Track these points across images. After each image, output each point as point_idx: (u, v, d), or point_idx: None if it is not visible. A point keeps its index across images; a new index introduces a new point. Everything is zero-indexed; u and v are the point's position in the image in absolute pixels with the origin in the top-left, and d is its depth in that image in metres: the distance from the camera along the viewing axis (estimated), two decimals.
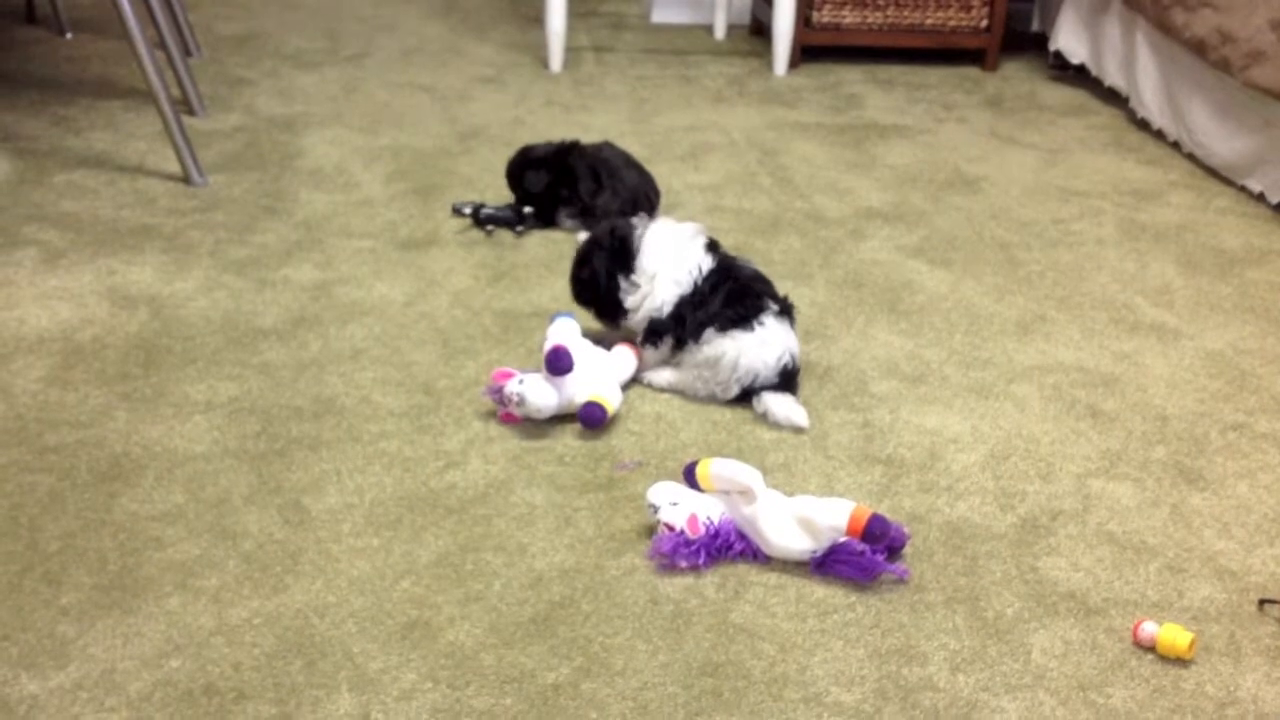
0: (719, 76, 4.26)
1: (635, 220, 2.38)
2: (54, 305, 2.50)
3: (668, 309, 2.29)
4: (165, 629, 1.67)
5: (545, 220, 2.97)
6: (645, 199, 2.97)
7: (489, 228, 2.92)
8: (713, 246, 2.33)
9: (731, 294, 2.27)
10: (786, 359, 2.24)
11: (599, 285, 2.34)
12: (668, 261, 2.30)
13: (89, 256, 2.71)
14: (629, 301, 2.32)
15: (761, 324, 2.24)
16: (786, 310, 2.29)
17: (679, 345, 2.29)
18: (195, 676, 1.59)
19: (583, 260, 2.37)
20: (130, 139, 3.39)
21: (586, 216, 2.92)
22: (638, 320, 2.32)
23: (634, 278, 2.31)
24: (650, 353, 2.33)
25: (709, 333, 2.25)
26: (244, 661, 1.62)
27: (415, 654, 1.65)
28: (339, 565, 1.81)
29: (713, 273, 2.28)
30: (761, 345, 2.22)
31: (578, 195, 2.93)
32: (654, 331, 2.30)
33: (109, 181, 3.12)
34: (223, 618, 1.70)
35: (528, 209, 2.94)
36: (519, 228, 2.92)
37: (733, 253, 2.37)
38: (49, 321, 2.44)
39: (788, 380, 2.24)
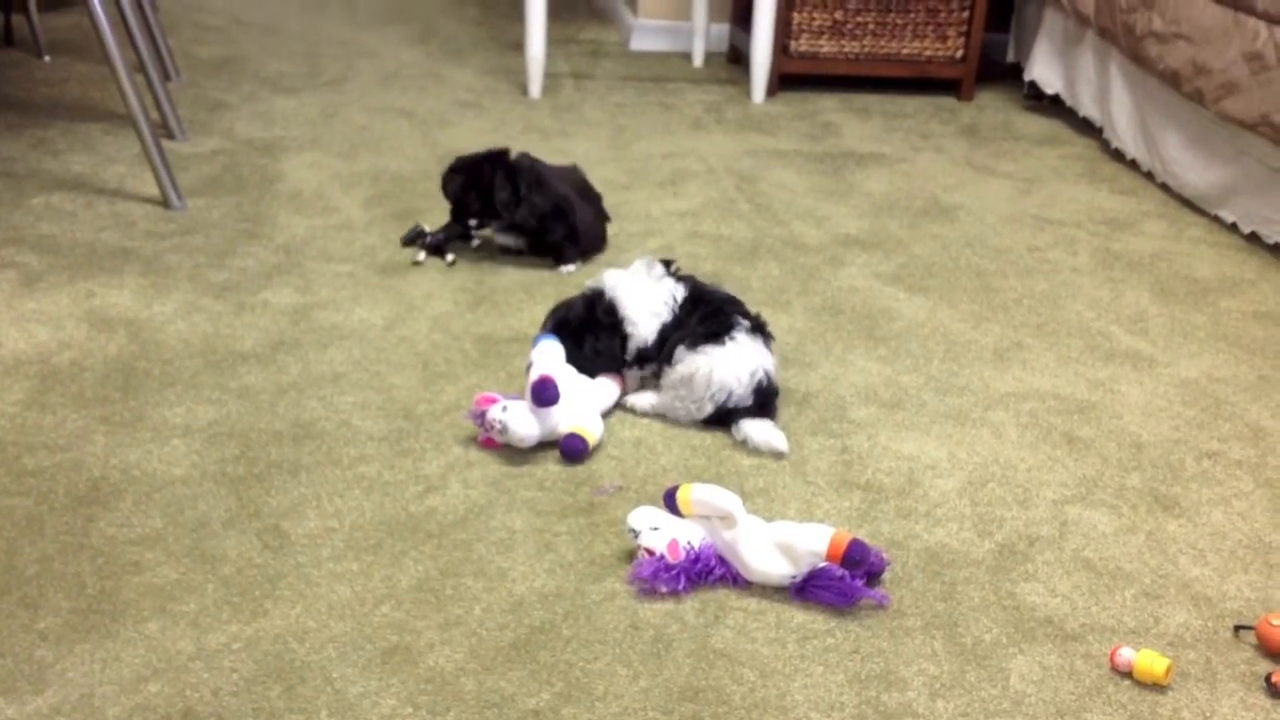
0: (697, 104, 4.29)
1: (594, 286, 2.38)
2: (32, 328, 2.50)
3: (652, 339, 2.32)
4: (144, 653, 1.66)
5: (481, 223, 2.94)
6: (567, 208, 2.91)
7: (449, 258, 2.91)
8: (675, 273, 2.38)
9: (705, 315, 2.31)
10: (761, 375, 2.25)
11: (616, 361, 2.35)
12: (641, 300, 2.33)
13: (67, 279, 2.71)
14: (630, 354, 2.35)
15: (733, 339, 2.26)
16: (759, 327, 2.31)
17: (658, 370, 2.31)
18: (174, 701, 1.59)
19: (577, 336, 2.35)
20: (109, 162, 3.39)
21: (513, 230, 2.92)
22: (629, 353, 2.34)
23: (629, 344, 2.34)
24: (634, 372, 2.35)
25: (680, 350, 2.27)
26: (223, 686, 1.62)
27: (395, 679, 1.64)
28: (318, 590, 1.80)
29: (687, 300, 2.33)
30: (733, 359, 2.24)
31: (492, 206, 2.89)
32: (641, 359, 2.34)
33: (87, 204, 3.11)
34: (202, 642, 1.69)
35: (473, 222, 2.93)
36: (449, 258, 2.92)
37: (707, 280, 2.41)
38: (26, 344, 2.44)
39: (765, 402, 2.25)
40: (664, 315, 2.32)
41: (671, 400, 2.28)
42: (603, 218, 3.04)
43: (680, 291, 2.34)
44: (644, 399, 2.32)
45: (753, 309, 2.36)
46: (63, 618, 1.72)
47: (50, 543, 1.88)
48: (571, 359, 2.30)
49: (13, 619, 1.72)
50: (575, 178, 3.01)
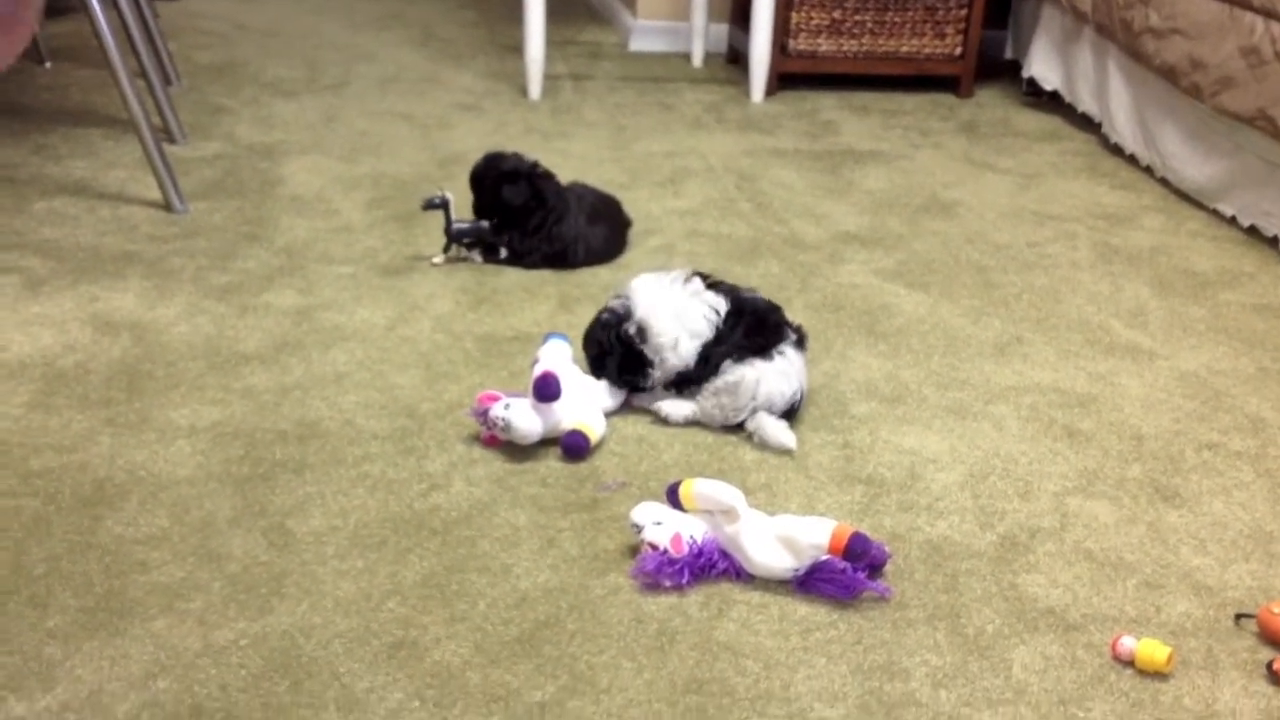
0: (697, 104, 4.30)
1: (621, 299, 2.33)
2: (36, 331, 2.51)
3: (694, 360, 2.28)
4: (152, 650, 1.68)
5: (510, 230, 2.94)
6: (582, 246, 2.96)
7: (475, 257, 2.92)
8: (713, 285, 2.34)
9: (750, 326, 2.28)
10: (798, 396, 2.26)
11: (619, 383, 2.32)
12: (678, 320, 2.28)
13: (71, 283, 2.72)
14: (653, 380, 2.31)
15: (781, 353, 2.26)
16: (802, 340, 2.32)
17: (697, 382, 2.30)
18: (182, 697, 1.60)
19: (597, 363, 2.33)
20: (110, 167, 3.40)
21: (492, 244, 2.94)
22: (663, 377, 2.31)
23: (652, 371, 2.30)
24: (671, 396, 2.32)
25: (727, 363, 2.26)
26: (231, 682, 1.63)
27: (402, 674, 1.65)
28: (324, 587, 1.82)
29: (730, 313, 2.29)
30: (781, 376, 2.24)
31: (512, 219, 2.91)
32: (684, 381, 2.30)
33: (90, 209, 3.13)
34: (209, 639, 1.70)
35: (490, 229, 2.92)
36: (473, 256, 2.93)
37: (731, 282, 2.38)
38: (31, 348, 2.45)
39: (791, 413, 2.27)
40: (705, 334, 2.28)
41: (710, 407, 2.27)
42: (620, 235, 3.05)
43: (722, 305, 2.30)
44: (679, 409, 2.29)
45: None
46: (71, 616, 1.73)
47: (58, 542, 1.89)
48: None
49: (21, 618, 1.73)
50: (605, 207, 3.03)
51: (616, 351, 2.30)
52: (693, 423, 2.29)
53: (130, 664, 1.65)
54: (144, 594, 1.78)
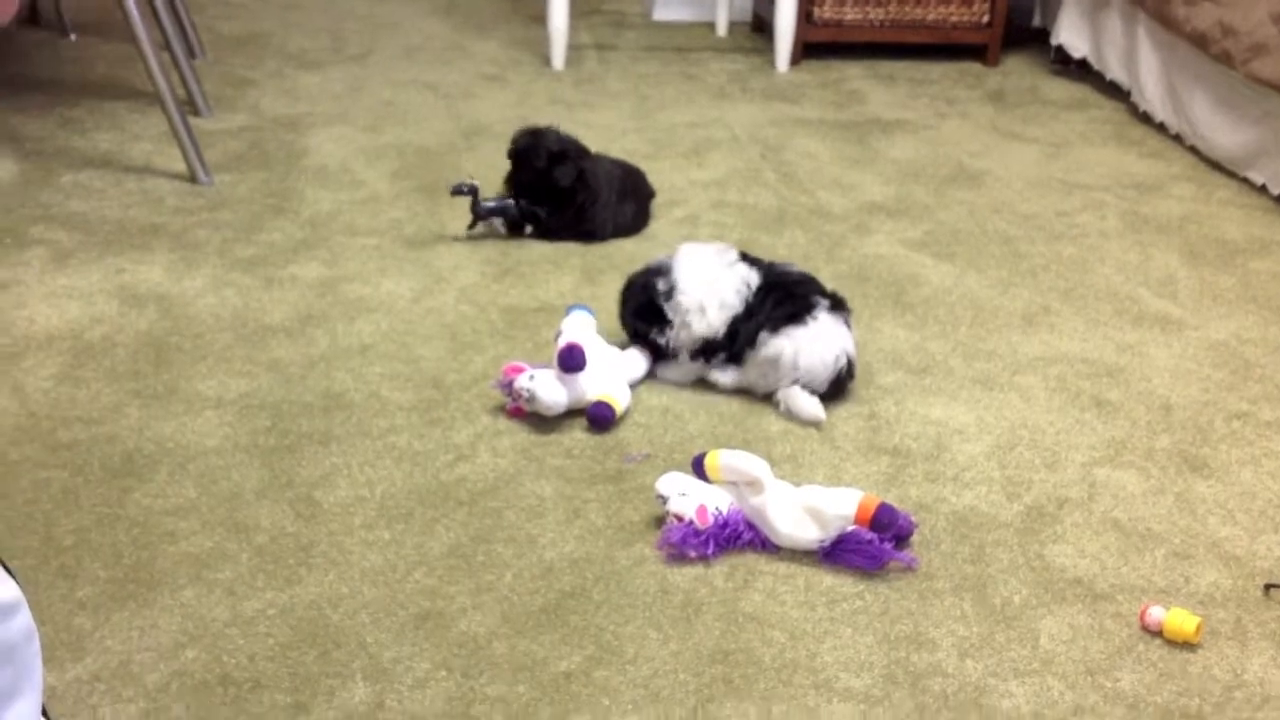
0: (721, 73, 4.28)
1: (667, 257, 2.36)
2: (64, 304, 2.52)
3: (722, 331, 2.28)
4: (181, 621, 1.69)
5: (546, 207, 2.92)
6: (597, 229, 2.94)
7: (499, 225, 2.92)
8: (752, 261, 2.33)
9: (779, 299, 2.27)
10: (843, 362, 2.24)
11: (629, 326, 2.35)
12: (710, 288, 2.29)
13: (97, 255, 2.73)
14: (670, 338, 2.30)
15: (814, 318, 2.24)
16: (839, 305, 2.29)
17: (734, 358, 2.29)
18: (211, 667, 1.61)
19: (622, 307, 2.38)
20: (136, 139, 3.41)
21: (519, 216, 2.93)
22: (689, 342, 2.30)
23: (669, 330, 2.30)
24: (699, 364, 2.32)
25: (763, 335, 2.25)
26: (259, 652, 1.64)
27: (428, 643, 1.66)
28: (351, 557, 1.82)
29: (761, 288, 2.28)
30: (816, 340, 2.22)
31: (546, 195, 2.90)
32: (709, 350, 2.30)
33: (116, 182, 3.13)
34: (237, 609, 1.71)
35: (527, 205, 2.91)
36: (502, 225, 2.92)
37: (768, 259, 2.38)
38: (59, 320, 2.46)
39: (840, 388, 2.25)
40: (735, 307, 2.28)
41: (756, 378, 2.27)
42: (643, 210, 3.04)
43: (754, 278, 2.30)
44: (726, 375, 2.30)
45: None
46: (100, 587, 1.75)
47: (87, 514, 1.90)
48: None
49: (51, 589, 1.74)
50: (631, 181, 3.02)
51: (637, 297, 2.33)
52: (740, 389, 2.29)
53: (159, 634, 1.66)
54: (172, 565, 1.80)
